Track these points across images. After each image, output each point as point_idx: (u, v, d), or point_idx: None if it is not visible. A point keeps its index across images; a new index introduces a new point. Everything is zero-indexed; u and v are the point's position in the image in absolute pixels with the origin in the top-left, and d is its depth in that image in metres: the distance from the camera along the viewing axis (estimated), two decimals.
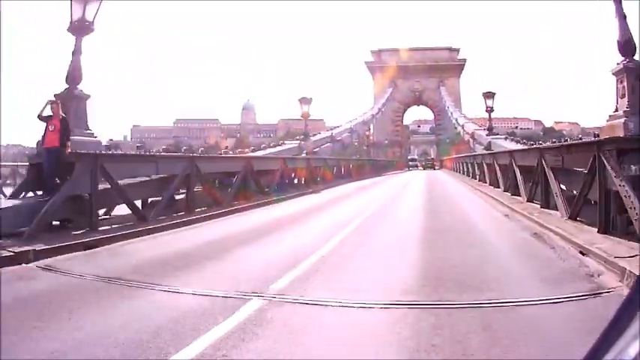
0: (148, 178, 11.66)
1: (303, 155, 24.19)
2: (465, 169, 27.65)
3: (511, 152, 13.68)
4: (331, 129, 36.40)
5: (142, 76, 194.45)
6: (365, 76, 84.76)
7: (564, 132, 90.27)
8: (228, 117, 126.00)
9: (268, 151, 20.87)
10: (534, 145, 12.30)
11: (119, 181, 10.62)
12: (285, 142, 24.59)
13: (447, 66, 75.16)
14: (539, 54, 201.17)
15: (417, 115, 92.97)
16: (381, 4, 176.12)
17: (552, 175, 9.51)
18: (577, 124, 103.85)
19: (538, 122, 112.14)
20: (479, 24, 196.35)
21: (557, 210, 9.16)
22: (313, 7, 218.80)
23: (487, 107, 24.89)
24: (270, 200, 15.25)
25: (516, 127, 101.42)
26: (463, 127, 39.82)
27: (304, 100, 23.69)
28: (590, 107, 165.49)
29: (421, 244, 7.02)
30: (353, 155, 38.82)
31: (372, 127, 60.39)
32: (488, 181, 18.49)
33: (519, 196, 12.69)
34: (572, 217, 8.36)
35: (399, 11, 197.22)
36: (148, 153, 12.91)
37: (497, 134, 26.46)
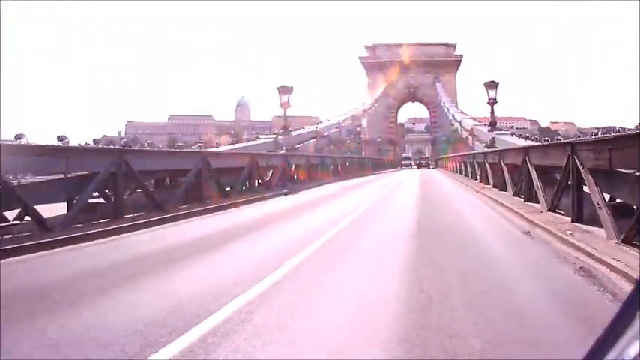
0: (62, 177, 9.20)
1: (283, 152, 21.53)
2: (464, 169, 24.91)
3: (526, 149, 11.02)
4: (317, 124, 33.30)
5: (139, 74, 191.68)
6: (360, 72, 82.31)
7: (560, 132, 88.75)
8: (223, 114, 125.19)
9: (237, 146, 18.16)
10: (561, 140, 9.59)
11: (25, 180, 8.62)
12: (260, 136, 21.79)
13: (443, 62, 72.87)
14: (535, 53, 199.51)
15: (412, 113, 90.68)
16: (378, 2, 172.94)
17: (592, 179, 6.88)
18: (573, 124, 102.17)
19: (534, 122, 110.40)
20: (475, 23, 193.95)
21: (601, 227, 6.54)
22: (309, 5, 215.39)
23: (489, 99, 21.91)
24: (230, 204, 12.58)
25: (512, 126, 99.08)
26: (461, 124, 36.76)
27: (283, 89, 20.87)
28: (585, 108, 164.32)
29: (406, 289, 4.36)
30: (342, 153, 36.05)
31: (364, 122, 57.66)
32: (492, 183, 15.91)
33: (536, 202, 10.11)
34: (628, 241, 5.76)
35: (396, 7, 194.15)
36: (58, 145, 10.27)
37: (501, 130, 23.50)
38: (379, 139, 64.77)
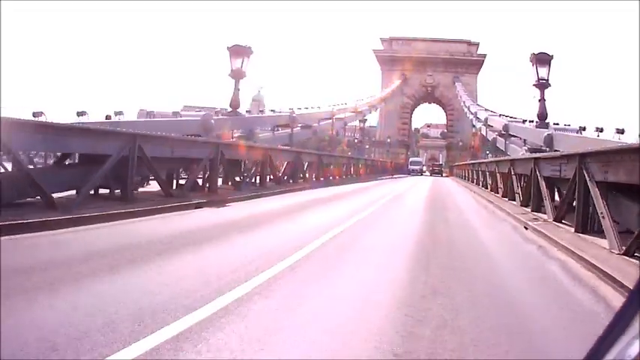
0: None
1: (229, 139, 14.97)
2: (491, 182, 17.76)
3: None
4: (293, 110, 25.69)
5: (160, 68, 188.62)
6: (374, 67, 75.92)
7: None
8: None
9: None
10: None
11: None
12: (183, 113, 15.16)
13: (465, 61, 66.47)
14: (556, 56, 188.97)
15: (428, 118, 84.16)
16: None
17: None
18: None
19: None
20: (498, 23, 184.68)
21: None
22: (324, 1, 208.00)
23: (538, 79, 14.31)
24: (47, 221, 6.07)
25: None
26: (487, 122, 29.18)
27: (236, 51, 14.23)
28: (597, 116, 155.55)
29: None
30: (336, 150, 29.38)
31: (372, 120, 50.94)
32: (551, 211, 8.92)
33: None
34: None
35: (414, 4, 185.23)
36: None
37: (557, 124, 15.91)
38: (389, 140, 57.93)
